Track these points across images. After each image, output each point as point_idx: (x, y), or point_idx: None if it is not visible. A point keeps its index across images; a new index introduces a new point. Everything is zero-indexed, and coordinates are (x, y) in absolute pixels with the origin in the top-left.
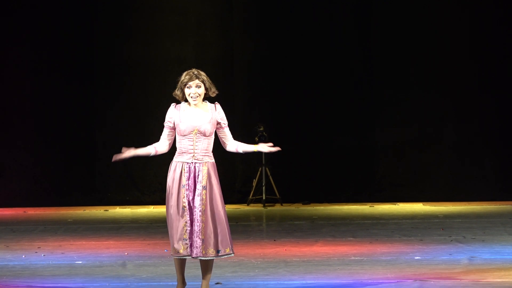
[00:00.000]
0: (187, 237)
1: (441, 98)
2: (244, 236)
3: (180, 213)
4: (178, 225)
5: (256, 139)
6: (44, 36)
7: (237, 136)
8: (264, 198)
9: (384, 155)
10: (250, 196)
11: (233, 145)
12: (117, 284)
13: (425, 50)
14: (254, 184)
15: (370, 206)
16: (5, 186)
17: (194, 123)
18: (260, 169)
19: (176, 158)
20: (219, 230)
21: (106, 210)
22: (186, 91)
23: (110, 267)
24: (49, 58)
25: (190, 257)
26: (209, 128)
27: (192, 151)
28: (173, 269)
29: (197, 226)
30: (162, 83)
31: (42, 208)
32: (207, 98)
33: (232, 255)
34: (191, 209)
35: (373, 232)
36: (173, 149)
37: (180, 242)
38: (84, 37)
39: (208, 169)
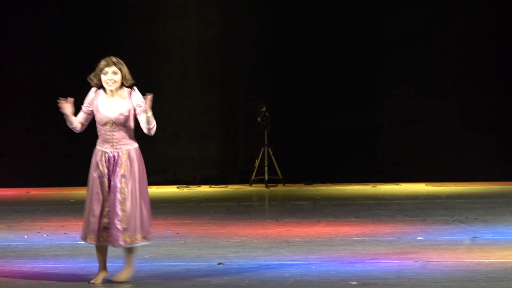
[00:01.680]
0: (107, 226)
1: (444, 76)
2: (246, 216)
3: (101, 202)
4: (98, 214)
5: (259, 119)
6: (45, 14)
7: (240, 117)
8: (266, 178)
9: (387, 135)
10: (253, 177)
11: (151, 125)
12: (119, 264)
13: (425, 25)
14: (256, 165)
15: (372, 187)
16: (7, 167)
17: (109, 114)
18: (262, 149)
19: (98, 146)
20: (141, 217)
21: None
22: (103, 77)
23: (112, 248)
24: (50, 37)
25: (108, 245)
26: (126, 118)
27: (110, 140)
28: (175, 250)
29: (116, 215)
30: (164, 63)
31: (44, 188)
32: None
33: (152, 240)
34: (110, 198)
35: (375, 212)
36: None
37: (100, 231)
38: (84, 16)
39: (127, 157)
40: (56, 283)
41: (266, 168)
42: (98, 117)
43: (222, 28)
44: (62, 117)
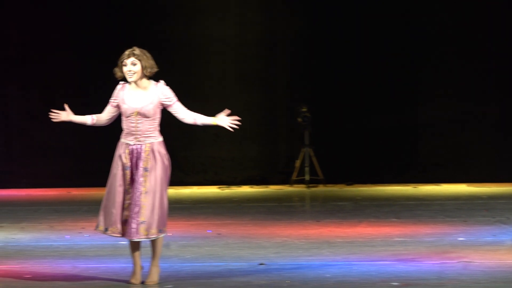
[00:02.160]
0: (127, 219)
1: (484, 75)
2: (287, 217)
3: (123, 195)
4: (120, 206)
5: (300, 119)
6: (86, 16)
7: (280, 117)
8: (307, 178)
9: (428, 135)
10: (293, 177)
11: (190, 118)
12: (160, 264)
13: (466, 27)
14: (297, 165)
15: (413, 187)
16: (49, 167)
17: (134, 105)
18: (303, 149)
19: (122, 138)
20: (160, 211)
21: None
22: (124, 68)
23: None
24: (91, 36)
25: (122, 237)
26: (150, 110)
27: (134, 132)
28: (216, 250)
29: (136, 208)
30: (205, 63)
31: (86, 188)
32: (154, 77)
33: (163, 235)
34: (131, 191)
35: (416, 213)
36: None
37: (121, 224)
38: (125, 17)
39: (150, 151)
40: (98, 283)
41: (307, 168)
42: (123, 109)
43: (263, 28)
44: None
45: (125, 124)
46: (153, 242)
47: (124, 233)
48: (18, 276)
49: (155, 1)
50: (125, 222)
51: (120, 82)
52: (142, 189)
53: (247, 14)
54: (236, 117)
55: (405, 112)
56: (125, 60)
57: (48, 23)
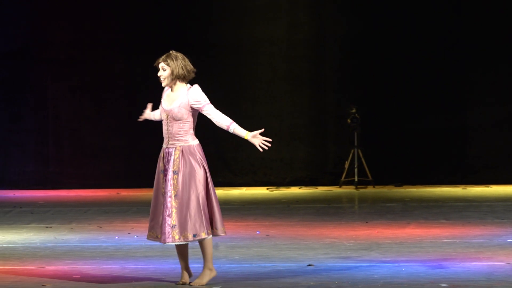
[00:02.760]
0: (162, 223)
1: None
2: (336, 218)
3: (158, 199)
4: (155, 212)
5: (348, 120)
6: (135, 17)
7: (329, 118)
8: (356, 180)
9: (477, 136)
10: (342, 178)
11: (224, 123)
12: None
13: None
14: (346, 166)
15: (462, 189)
16: (98, 168)
17: (166, 107)
18: (352, 150)
19: (163, 143)
20: (192, 215)
21: None
22: (159, 73)
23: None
24: (141, 38)
25: (163, 243)
26: (178, 113)
27: (167, 135)
28: (265, 251)
29: (167, 212)
30: (254, 65)
31: (135, 189)
32: (192, 81)
33: (209, 237)
34: (164, 194)
35: (465, 214)
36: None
37: (157, 228)
38: (175, 17)
39: (180, 154)
40: (146, 284)
41: (356, 169)
42: (159, 112)
43: (312, 29)
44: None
45: (163, 127)
46: (200, 245)
47: (158, 238)
48: (67, 277)
49: (204, 4)
50: (160, 226)
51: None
52: (171, 192)
53: (296, 15)
54: (268, 139)
55: (454, 113)
56: (158, 65)
57: (97, 24)
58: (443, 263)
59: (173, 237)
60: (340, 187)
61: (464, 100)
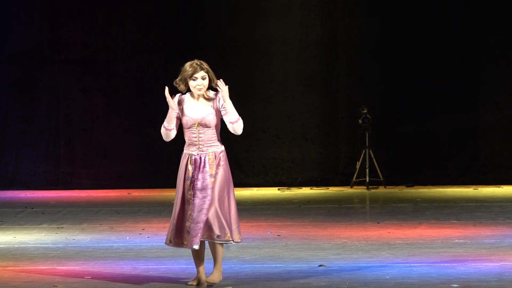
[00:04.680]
0: (189, 230)
1: None
2: (347, 218)
3: (185, 206)
4: (182, 217)
5: (360, 121)
6: (149, 16)
7: (341, 118)
8: (367, 180)
9: (489, 136)
10: (354, 178)
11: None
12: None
13: None
14: (357, 166)
15: (474, 189)
16: (110, 168)
17: (195, 116)
18: (363, 151)
19: (185, 149)
20: (223, 218)
21: None
22: (192, 83)
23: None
24: (153, 39)
25: (190, 247)
26: (211, 120)
27: (197, 143)
28: (276, 251)
29: (199, 216)
30: (266, 65)
31: (146, 189)
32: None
33: (232, 242)
34: (194, 200)
35: (477, 215)
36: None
37: (184, 234)
38: (187, 18)
39: (214, 159)
40: (157, 285)
41: (367, 170)
42: (184, 120)
43: (324, 30)
44: (164, 119)
45: (187, 135)
46: (214, 247)
47: (187, 243)
48: (78, 277)
49: (216, 4)
50: (188, 233)
51: (178, 93)
52: (204, 197)
53: (309, 16)
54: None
55: (465, 114)
56: (194, 75)
57: (110, 25)
58: (454, 264)
59: (204, 234)
60: (351, 187)
61: (476, 100)
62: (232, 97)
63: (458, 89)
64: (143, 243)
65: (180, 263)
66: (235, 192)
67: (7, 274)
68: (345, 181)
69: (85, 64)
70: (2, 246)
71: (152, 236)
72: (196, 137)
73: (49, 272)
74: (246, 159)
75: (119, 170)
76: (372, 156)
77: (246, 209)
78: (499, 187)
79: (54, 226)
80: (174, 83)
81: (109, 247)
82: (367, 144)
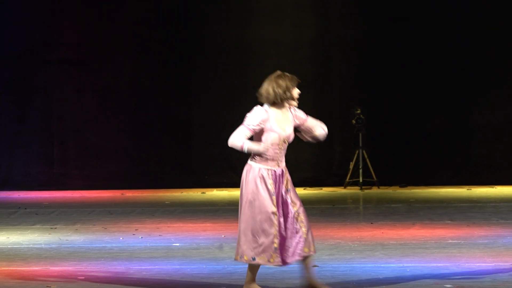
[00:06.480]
0: (277, 247)
1: None
2: (341, 219)
3: (273, 222)
4: (269, 234)
5: (353, 121)
6: (142, 17)
7: (334, 119)
8: (361, 180)
9: (482, 137)
10: (347, 179)
11: (320, 132)
12: (214, 266)
13: None
14: (351, 167)
15: (467, 189)
16: (103, 168)
17: (283, 133)
18: (357, 151)
19: (260, 164)
20: (310, 228)
21: (203, 193)
22: (294, 93)
23: (207, 250)
24: (148, 41)
25: (282, 265)
26: (292, 135)
27: (277, 158)
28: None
29: (295, 230)
30: (259, 66)
31: (139, 190)
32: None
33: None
34: (283, 215)
35: (470, 215)
36: None
37: (270, 251)
38: (180, 19)
39: (287, 173)
40: (151, 285)
41: (360, 170)
42: (271, 136)
43: (318, 30)
44: (157, 119)
45: (268, 150)
46: (305, 261)
47: (284, 258)
48: (72, 278)
49: (208, 5)
50: (275, 250)
51: (259, 105)
52: (293, 209)
53: (302, 16)
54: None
55: (459, 114)
56: (295, 86)
57: (103, 26)
58: (448, 264)
59: (303, 250)
60: (345, 188)
61: (469, 101)
62: (224, 98)
63: (452, 89)
64: (136, 243)
65: (173, 263)
66: (229, 193)
67: (0, 275)
68: (338, 182)
69: (78, 64)
70: None
71: (145, 236)
72: (278, 153)
73: (42, 272)
74: (240, 160)
75: (112, 171)
76: (366, 156)
77: None
78: (493, 187)
79: (48, 226)
80: (265, 93)
81: (103, 248)
82: (360, 145)
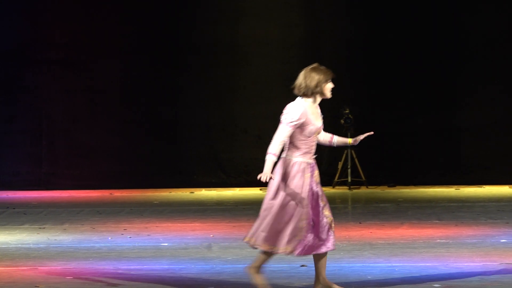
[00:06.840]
0: (302, 237)
1: None
2: None
3: (309, 214)
4: (300, 225)
5: (342, 121)
6: (130, 17)
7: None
8: (349, 180)
9: (470, 136)
10: (336, 179)
11: (327, 136)
12: (202, 266)
13: (509, 25)
14: (339, 167)
15: (456, 189)
16: (91, 168)
17: (318, 124)
18: (345, 151)
19: (301, 157)
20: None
21: (192, 192)
22: (328, 85)
23: (195, 249)
24: (136, 41)
25: (312, 253)
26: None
27: (313, 150)
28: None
29: (323, 222)
30: (247, 65)
31: (128, 190)
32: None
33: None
34: (313, 207)
35: (458, 215)
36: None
37: (294, 240)
38: (169, 18)
39: (316, 165)
40: (140, 285)
41: (349, 170)
42: (308, 129)
43: (307, 30)
44: (146, 119)
45: (305, 143)
46: (322, 256)
47: (316, 248)
48: (60, 277)
49: (198, 5)
50: (300, 242)
51: (298, 99)
52: (322, 203)
53: (291, 16)
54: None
55: (447, 114)
56: (330, 79)
57: (92, 25)
58: (436, 264)
59: (334, 244)
60: (333, 187)
61: (457, 100)
62: (213, 97)
63: (440, 89)
64: (125, 243)
65: (162, 263)
66: (218, 193)
67: None
68: (327, 181)
69: (67, 64)
70: None
71: (134, 236)
72: (314, 145)
73: (30, 272)
74: (228, 160)
75: (101, 171)
76: (354, 156)
77: (228, 209)
78: (481, 187)
79: (36, 226)
80: (302, 87)
81: (91, 247)
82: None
